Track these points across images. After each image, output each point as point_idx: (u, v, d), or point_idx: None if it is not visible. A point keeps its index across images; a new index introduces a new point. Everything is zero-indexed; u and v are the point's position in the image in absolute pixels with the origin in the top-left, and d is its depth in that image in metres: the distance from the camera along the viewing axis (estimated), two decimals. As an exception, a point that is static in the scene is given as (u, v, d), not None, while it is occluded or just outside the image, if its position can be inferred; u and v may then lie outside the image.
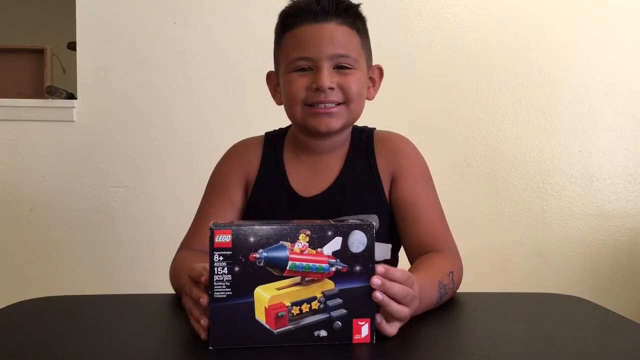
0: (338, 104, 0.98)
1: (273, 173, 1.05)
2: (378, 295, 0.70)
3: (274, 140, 1.09)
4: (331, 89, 0.96)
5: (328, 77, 0.95)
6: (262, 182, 1.05)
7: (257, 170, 1.06)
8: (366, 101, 1.05)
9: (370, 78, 1.05)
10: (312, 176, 1.04)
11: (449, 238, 1.02)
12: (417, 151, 1.07)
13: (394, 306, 0.71)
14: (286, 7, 1.02)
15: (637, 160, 2.05)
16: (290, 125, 1.10)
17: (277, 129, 1.13)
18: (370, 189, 1.02)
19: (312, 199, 1.02)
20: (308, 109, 0.98)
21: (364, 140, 1.06)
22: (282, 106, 1.03)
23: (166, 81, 1.93)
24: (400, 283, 0.72)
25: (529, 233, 2.04)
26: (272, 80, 1.07)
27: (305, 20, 0.97)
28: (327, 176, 1.03)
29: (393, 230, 1.04)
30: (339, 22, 0.97)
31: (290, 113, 1.02)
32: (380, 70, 1.07)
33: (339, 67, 0.97)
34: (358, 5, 1.02)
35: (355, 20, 1.00)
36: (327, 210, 0.99)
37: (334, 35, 0.96)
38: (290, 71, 0.98)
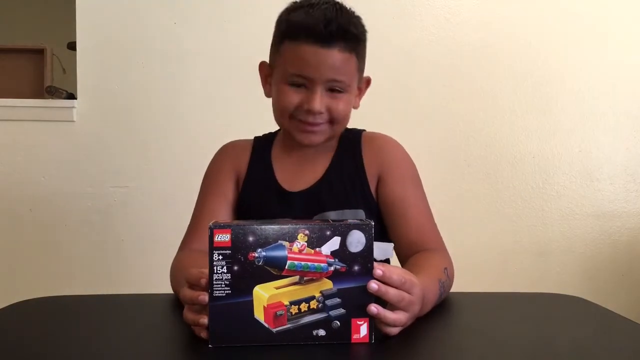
0: (324, 122, 1.00)
1: (261, 169, 1.08)
2: (373, 309, 0.70)
3: (263, 142, 1.12)
4: (320, 112, 0.97)
5: (320, 102, 0.97)
6: (251, 179, 1.08)
7: (247, 166, 1.09)
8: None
9: (358, 88, 1.05)
10: (299, 172, 1.06)
11: (438, 237, 1.03)
12: (404, 152, 1.09)
13: (390, 318, 0.72)
14: (293, 13, 0.99)
15: (637, 160, 2.05)
16: (279, 130, 1.12)
17: (267, 133, 1.15)
18: (357, 185, 1.04)
19: (299, 194, 1.04)
20: (295, 123, 1.00)
21: (351, 139, 1.08)
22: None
23: (166, 81, 1.93)
24: (396, 287, 0.72)
25: (529, 233, 2.04)
26: (265, 70, 1.07)
27: (310, 38, 0.95)
28: (314, 172, 1.05)
29: (382, 227, 1.04)
30: (341, 49, 0.96)
31: (278, 120, 1.05)
32: (368, 81, 1.08)
33: (331, 89, 0.98)
34: (363, 31, 1.01)
35: (358, 45, 0.99)
36: (314, 205, 1.02)
37: (334, 62, 0.96)
38: (285, 82, 0.99)
